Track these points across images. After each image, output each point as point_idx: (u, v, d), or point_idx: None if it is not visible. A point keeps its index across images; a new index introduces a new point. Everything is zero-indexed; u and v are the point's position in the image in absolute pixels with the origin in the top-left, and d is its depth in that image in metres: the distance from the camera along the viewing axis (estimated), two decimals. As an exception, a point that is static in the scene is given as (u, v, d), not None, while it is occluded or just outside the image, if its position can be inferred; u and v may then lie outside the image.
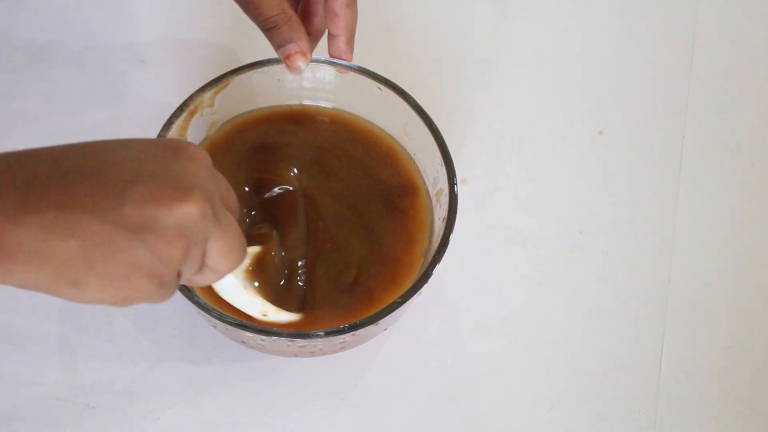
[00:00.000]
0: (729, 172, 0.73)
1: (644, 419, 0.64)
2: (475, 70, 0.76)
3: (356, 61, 0.63)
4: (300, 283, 0.60)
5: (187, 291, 0.55)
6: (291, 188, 0.63)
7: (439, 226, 0.61)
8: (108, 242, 0.40)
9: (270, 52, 0.61)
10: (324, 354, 0.60)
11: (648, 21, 0.79)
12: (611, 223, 0.70)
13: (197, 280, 0.46)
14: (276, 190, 0.63)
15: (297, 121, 0.67)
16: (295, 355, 0.60)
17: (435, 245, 0.59)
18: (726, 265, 0.69)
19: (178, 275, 0.44)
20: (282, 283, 0.60)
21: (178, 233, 0.41)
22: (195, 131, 0.63)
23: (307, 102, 0.67)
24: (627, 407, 0.64)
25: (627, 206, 0.71)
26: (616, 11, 0.79)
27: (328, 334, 0.55)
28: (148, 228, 0.41)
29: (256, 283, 0.57)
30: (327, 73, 0.65)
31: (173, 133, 0.61)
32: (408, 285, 0.58)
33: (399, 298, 0.56)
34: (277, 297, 0.58)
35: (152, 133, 0.59)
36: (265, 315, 0.57)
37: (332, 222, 0.63)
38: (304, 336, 0.55)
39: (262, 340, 0.56)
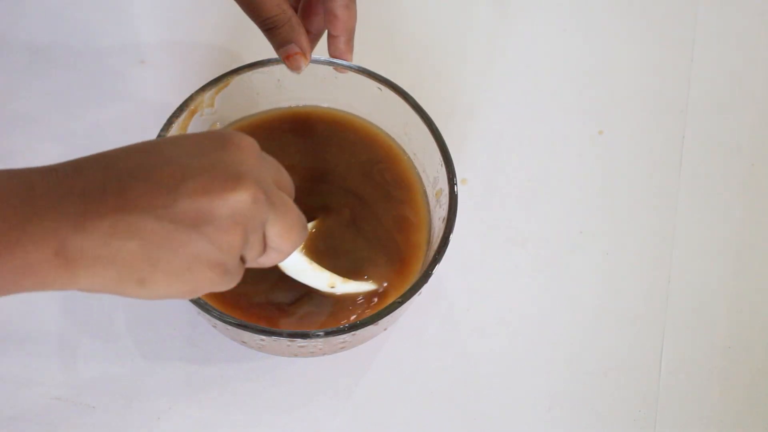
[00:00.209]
0: (729, 172, 0.73)
1: (644, 419, 0.64)
2: (475, 70, 0.76)
3: (356, 61, 0.63)
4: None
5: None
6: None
7: (439, 226, 0.61)
8: (168, 239, 0.41)
9: (270, 52, 0.61)
10: (324, 354, 0.60)
11: (648, 21, 0.79)
12: (611, 223, 0.70)
13: (263, 262, 0.47)
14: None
15: (297, 122, 0.67)
16: (295, 355, 0.60)
17: (435, 245, 0.59)
18: (726, 265, 0.69)
19: (243, 260, 0.45)
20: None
21: (233, 221, 0.43)
22: (195, 131, 0.63)
23: (307, 102, 0.67)
24: (627, 407, 0.64)
25: (627, 206, 0.71)
26: (616, 11, 0.79)
27: (328, 334, 0.55)
28: (204, 220, 0.42)
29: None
30: (327, 73, 0.65)
31: (173, 133, 0.61)
32: (408, 285, 0.58)
33: (399, 298, 0.56)
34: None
35: (152, 134, 0.59)
36: (332, 287, 0.58)
37: (332, 222, 0.63)
38: (304, 336, 0.55)
39: (262, 340, 0.56)
